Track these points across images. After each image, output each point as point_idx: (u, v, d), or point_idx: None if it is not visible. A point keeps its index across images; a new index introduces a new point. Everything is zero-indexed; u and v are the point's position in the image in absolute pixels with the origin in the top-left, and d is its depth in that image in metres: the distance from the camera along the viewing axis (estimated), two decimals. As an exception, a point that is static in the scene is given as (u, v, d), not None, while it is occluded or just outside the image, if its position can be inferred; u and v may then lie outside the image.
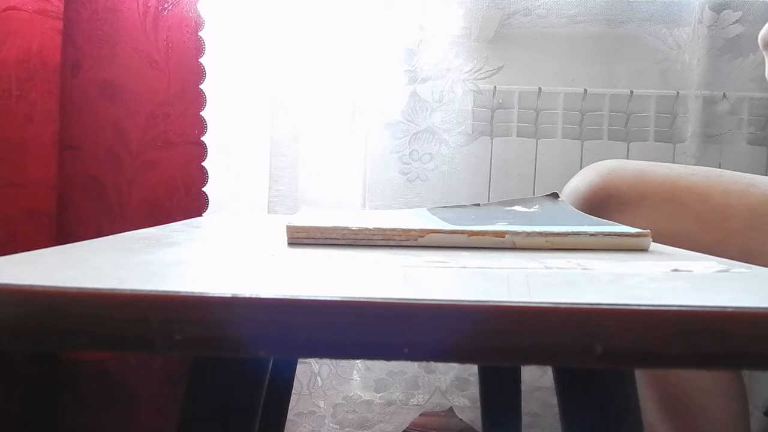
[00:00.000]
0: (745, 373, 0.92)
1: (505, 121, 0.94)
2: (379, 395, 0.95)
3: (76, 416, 0.85)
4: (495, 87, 0.93)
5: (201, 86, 0.83)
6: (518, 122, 0.94)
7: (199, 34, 0.82)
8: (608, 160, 0.68)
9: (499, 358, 0.22)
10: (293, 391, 0.80)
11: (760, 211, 0.58)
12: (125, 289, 0.22)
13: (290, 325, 0.22)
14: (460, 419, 0.95)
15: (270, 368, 0.35)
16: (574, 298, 0.23)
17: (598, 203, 0.64)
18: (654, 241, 0.43)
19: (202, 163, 0.84)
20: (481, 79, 0.92)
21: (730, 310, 0.22)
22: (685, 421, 0.62)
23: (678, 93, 0.93)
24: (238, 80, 0.91)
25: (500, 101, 0.94)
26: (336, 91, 0.92)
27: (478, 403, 0.69)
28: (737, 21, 0.90)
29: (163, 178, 0.82)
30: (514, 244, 0.40)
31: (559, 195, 0.59)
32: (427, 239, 0.40)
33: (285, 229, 0.40)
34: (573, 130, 0.94)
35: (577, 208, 0.64)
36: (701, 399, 0.62)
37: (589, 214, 0.62)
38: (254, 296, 0.22)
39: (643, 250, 0.41)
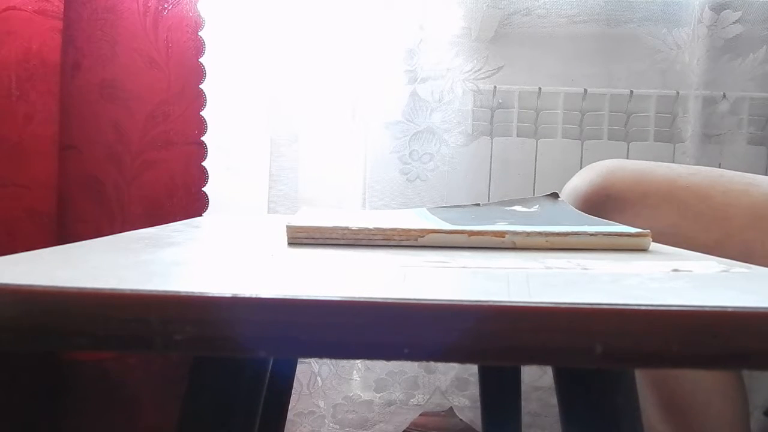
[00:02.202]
0: (745, 373, 0.92)
1: (505, 121, 0.94)
2: (379, 395, 0.95)
3: (76, 416, 0.85)
4: (495, 87, 0.93)
5: (201, 86, 0.83)
6: (518, 122, 0.94)
7: (199, 34, 0.82)
8: (608, 160, 0.68)
9: (499, 358, 0.22)
10: (293, 391, 0.80)
11: (760, 210, 0.58)
12: (125, 289, 0.22)
13: (290, 325, 0.22)
14: (460, 419, 0.95)
15: (270, 368, 0.35)
16: (574, 298, 0.23)
17: (598, 203, 0.63)
18: (654, 240, 0.43)
19: (202, 163, 0.84)
20: (481, 79, 0.92)
21: (730, 310, 0.22)
22: (686, 421, 0.62)
23: (678, 93, 0.93)
24: (238, 80, 0.91)
25: (500, 101, 0.94)
26: (336, 91, 0.92)
27: (478, 403, 0.69)
28: (737, 21, 0.90)
29: (163, 178, 0.82)
30: (514, 244, 0.40)
31: (559, 195, 0.59)
32: (427, 239, 0.40)
33: (285, 229, 0.40)
34: (573, 130, 0.94)
35: (576, 208, 0.64)
36: (702, 399, 0.62)
37: (589, 213, 0.62)
38: (254, 296, 0.22)
39: (643, 250, 0.41)
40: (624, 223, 0.48)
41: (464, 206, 0.58)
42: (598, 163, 0.68)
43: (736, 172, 0.66)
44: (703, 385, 0.62)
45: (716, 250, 0.56)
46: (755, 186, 0.61)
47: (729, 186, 0.62)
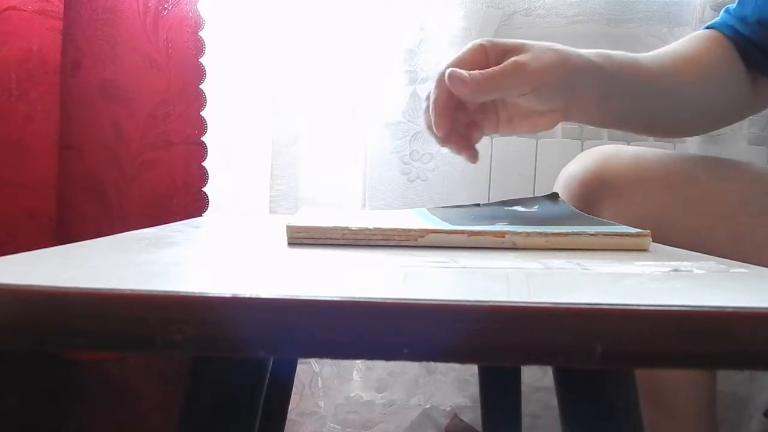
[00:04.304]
0: (746, 374, 0.92)
1: (505, 121, 0.94)
2: (380, 395, 0.95)
3: (76, 416, 0.85)
4: (495, 87, 0.93)
5: (201, 86, 0.83)
6: (518, 122, 0.94)
7: (199, 34, 0.82)
8: (605, 146, 0.68)
9: (499, 358, 0.22)
10: (294, 391, 0.80)
11: (749, 195, 0.58)
12: (125, 289, 0.22)
13: (290, 325, 0.22)
14: (460, 419, 0.95)
15: (270, 368, 0.35)
16: (574, 298, 0.23)
17: (593, 188, 0.63)
18: (648, 226, 0.42)
19: (202, 163, 0.84)
20: (481, 79, 0.92)
21: (730, 310, 0.22)
22: (658, 407, 0.62)
23: (678, 93, 0.93)
24: (238, 80, 0.91)
25: (500, 101, 0.94)
26: (336, 92, 0.92)
27: (478, 403, 0.69)
28: (737, 21, 0.90)
29: (163, 178, 0.82)
30: (514, 244, 0.40)
31: (559, 195, 0.59)
32: (427, 239, 0.40)
33: (285, 229, 0.40)
34: (573, 130, 0.94)
35: (572, 194, 0.64)
36: (672, 387, 0.62)
37: (585, 199, 0.62)
38: (254, 296, 0.22)
39: (643, 250, 0.41)
40: (619, 209, 0.48)
41: (464, 206, 0.58)
42: (594, 148, 0.68)
43: (732, 159, 0.66)
44: (674, 374, 0.62)
45: (706, 236, 0.56)
46: (747, 172, 0.61)
47: (721, 171, 0.61)
